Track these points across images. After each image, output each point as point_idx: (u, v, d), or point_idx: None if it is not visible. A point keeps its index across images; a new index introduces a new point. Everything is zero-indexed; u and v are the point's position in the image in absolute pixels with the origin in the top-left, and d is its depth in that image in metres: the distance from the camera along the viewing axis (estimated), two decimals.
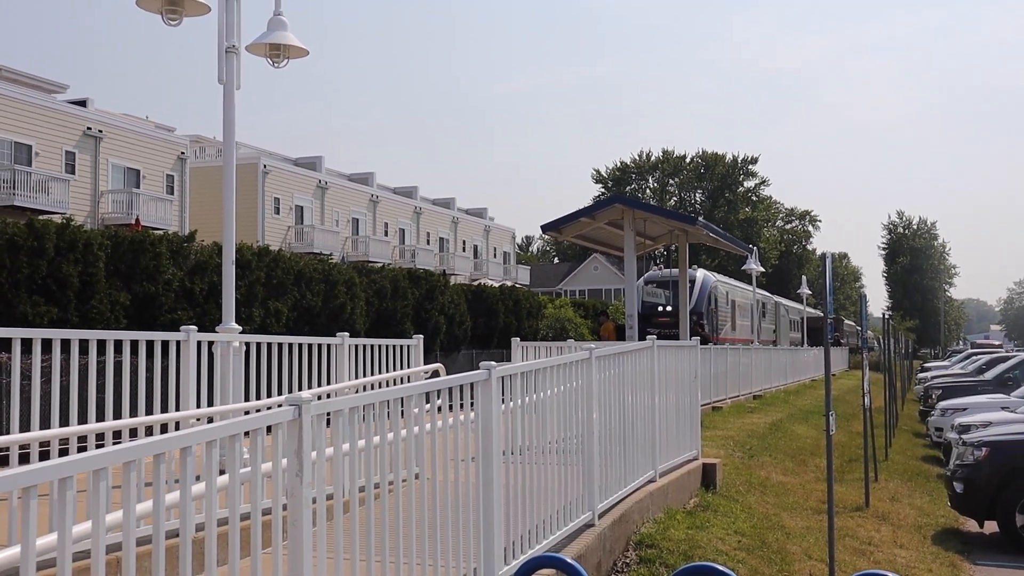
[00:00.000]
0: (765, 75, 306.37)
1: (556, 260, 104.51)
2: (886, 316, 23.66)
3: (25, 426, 5.67)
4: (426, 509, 4.66)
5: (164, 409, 6.48)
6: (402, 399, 4.59)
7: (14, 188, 32.78)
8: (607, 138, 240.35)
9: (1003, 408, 16.15)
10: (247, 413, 6.02)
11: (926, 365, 44.32)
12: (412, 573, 4.52)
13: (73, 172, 36.11)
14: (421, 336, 10.16)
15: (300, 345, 8.12)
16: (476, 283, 39.98)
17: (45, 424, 5.66)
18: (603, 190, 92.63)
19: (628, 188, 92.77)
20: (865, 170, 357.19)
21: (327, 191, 52.51)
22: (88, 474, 2.75)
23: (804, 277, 49.15)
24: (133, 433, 6.03)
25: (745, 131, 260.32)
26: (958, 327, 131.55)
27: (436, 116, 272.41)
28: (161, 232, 20.62)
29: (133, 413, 6.14)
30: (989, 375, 24.52)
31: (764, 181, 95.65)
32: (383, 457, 4.42)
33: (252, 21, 8.07)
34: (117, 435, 5.90)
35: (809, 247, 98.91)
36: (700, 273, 35.83)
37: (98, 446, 5.51)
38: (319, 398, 4.31)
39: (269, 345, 7.76)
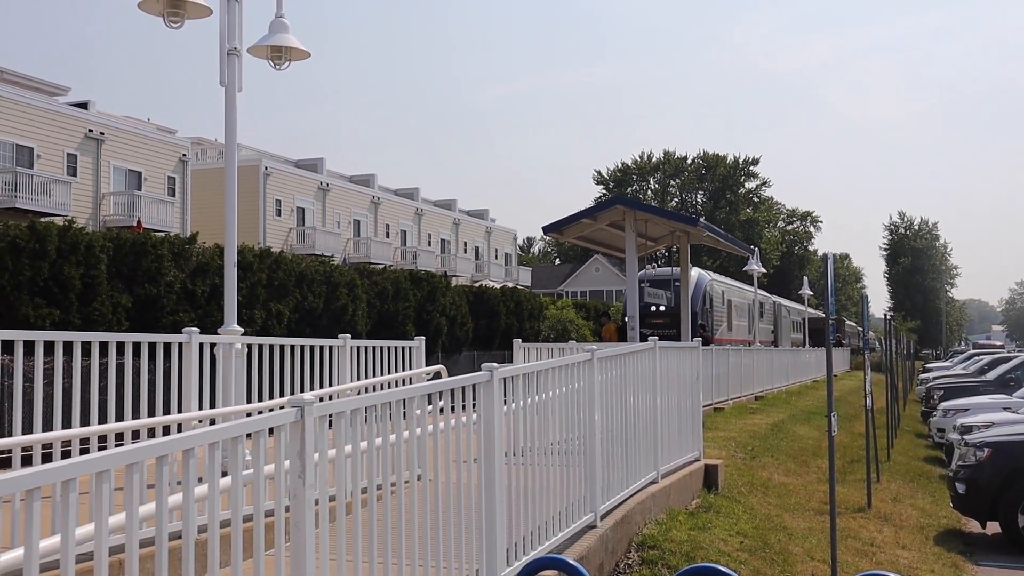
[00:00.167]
0: (766, 76, 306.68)
1: (557, 261, 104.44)
2: (888, 317, 23.67)
3: (27, 428, 5.68)
4: (428, 511, 4.66)
5: (166, 411, 6.48)
6: (404, 401, 4.60)
7: (16, 190, 32.81)
8: (608, 139, 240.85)
9: (1005, 409, 16.14)
10: (249, 415, 6.02)
11: (928, 366, 44.24)
12: (414, 574, 4.52)
13: (75, 174, 36.14)
14: (423, 338, 10.15)
15: (302, 347, 8.13)
16: (477, 284, 39.98)
17: (47, 426, 5.66)
18: (604, 191, 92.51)
19: (629, 189, 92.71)
20: (866, 171, 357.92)
21: (328, 193, 52.52)
22: (91, 476, 2.76)
23: (805, 278, 49.18)
24: (136, 435, 6.03)
25: (746, 132, 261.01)
26: (960, 328, 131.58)
27: (437, 118, 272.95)
28: (163, 234, 20.63)
29: (135, 415, 6.14)
30: (991, 376, 24.50)
31: (765, 182, 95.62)
32: (385, 459, 4.42)
33: (253, 23, 8.08)
34: (120, 437, 5.90)
35: (810, 248, 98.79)
36: (695, 272, 35.76)
37: (100, 448, 5.53)
38: (321, 400, 4.31)
39: (271, 347, 7.77)
